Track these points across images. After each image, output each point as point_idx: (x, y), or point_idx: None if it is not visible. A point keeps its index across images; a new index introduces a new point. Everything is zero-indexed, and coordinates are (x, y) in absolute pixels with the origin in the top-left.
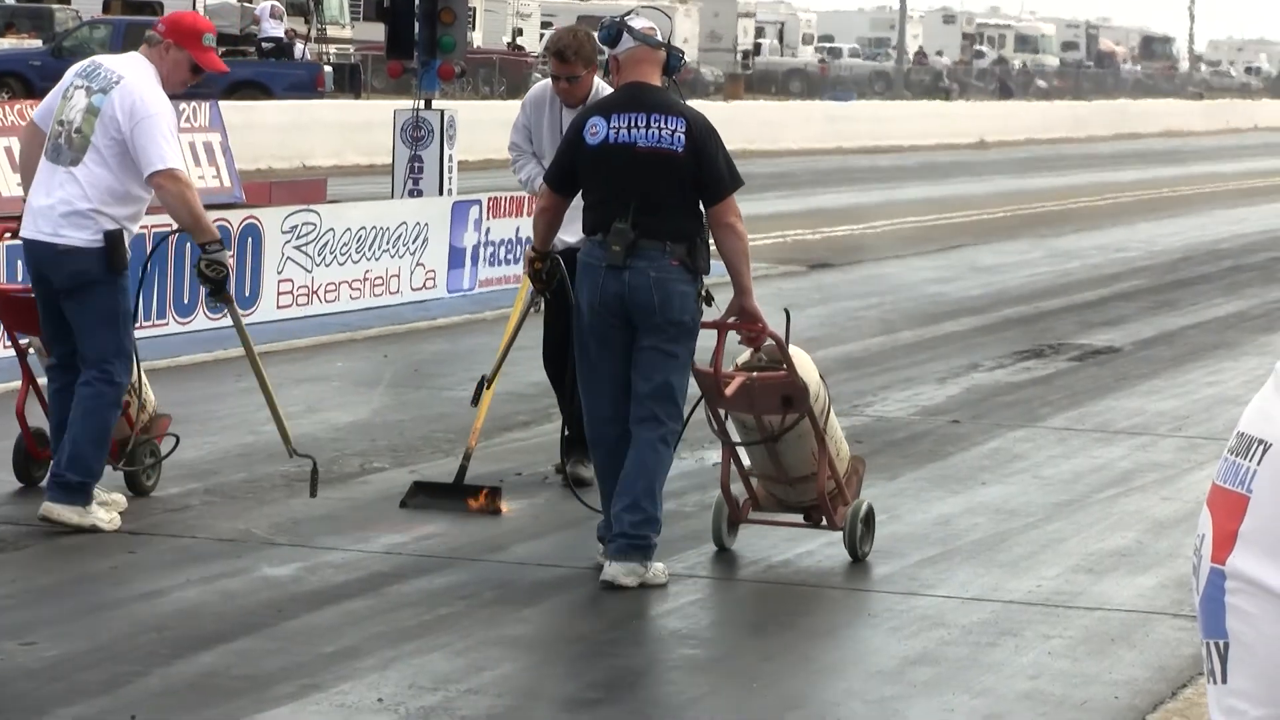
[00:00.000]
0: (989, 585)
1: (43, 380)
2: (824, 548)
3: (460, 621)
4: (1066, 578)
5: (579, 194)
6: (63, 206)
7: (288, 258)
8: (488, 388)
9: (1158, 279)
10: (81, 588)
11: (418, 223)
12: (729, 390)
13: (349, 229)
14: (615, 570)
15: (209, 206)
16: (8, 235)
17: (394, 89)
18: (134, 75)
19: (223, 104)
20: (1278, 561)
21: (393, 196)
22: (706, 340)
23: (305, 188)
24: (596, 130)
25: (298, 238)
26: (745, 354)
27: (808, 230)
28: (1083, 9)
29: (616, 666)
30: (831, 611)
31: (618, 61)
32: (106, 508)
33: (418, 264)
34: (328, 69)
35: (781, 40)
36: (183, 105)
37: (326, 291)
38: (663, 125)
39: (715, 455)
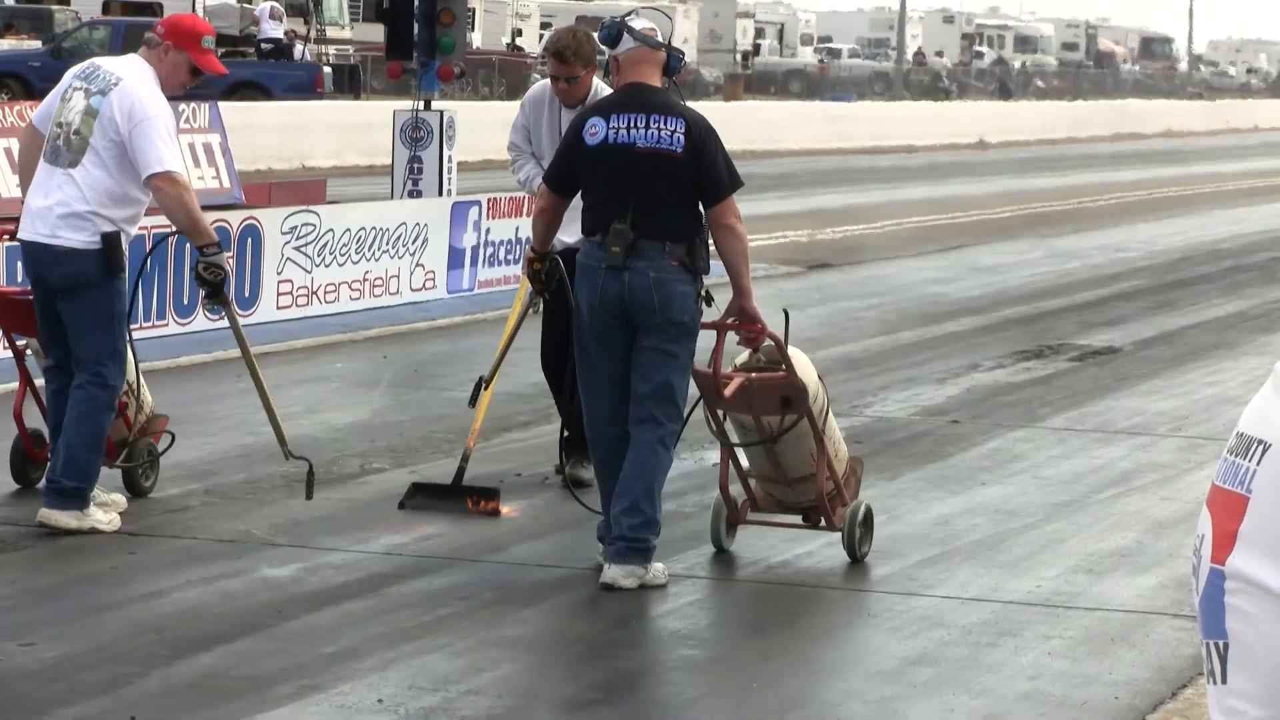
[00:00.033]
0: (989, 586)
1: (40, 382)
2: (823, 548)
3: (460, 622)
4: (1066, 578)
5: (578, 195)
6: (60, 208)
7: (287, 258)
8: (485, 389)
9: (1158, 279)
10: (81, 589)
11: (417, 223)
12: (728, 391)
13: (348, 230)
14: (615, 573)
15: (208, 207)
16: (6, 237)
17: (393, 90)
18: (133, 77)
19: (222, 105)
20: (1277, 562)
21: (392, 197)
22: (705, 341)
23: (305, 188)
24: (596, 131)
25: (297, 238)
26: (743, 355)
27: (807, 231)
28: (1082, 9)
29: (616, 667)
30: (831, 612)
31: (618, 62)
32: (106, 509)
33: (417, 265)
34: (327, 70)
35: (781, 41)
36: (182, 106)
37: (326, 292)
38: (662, 126)
39: (715, 456)
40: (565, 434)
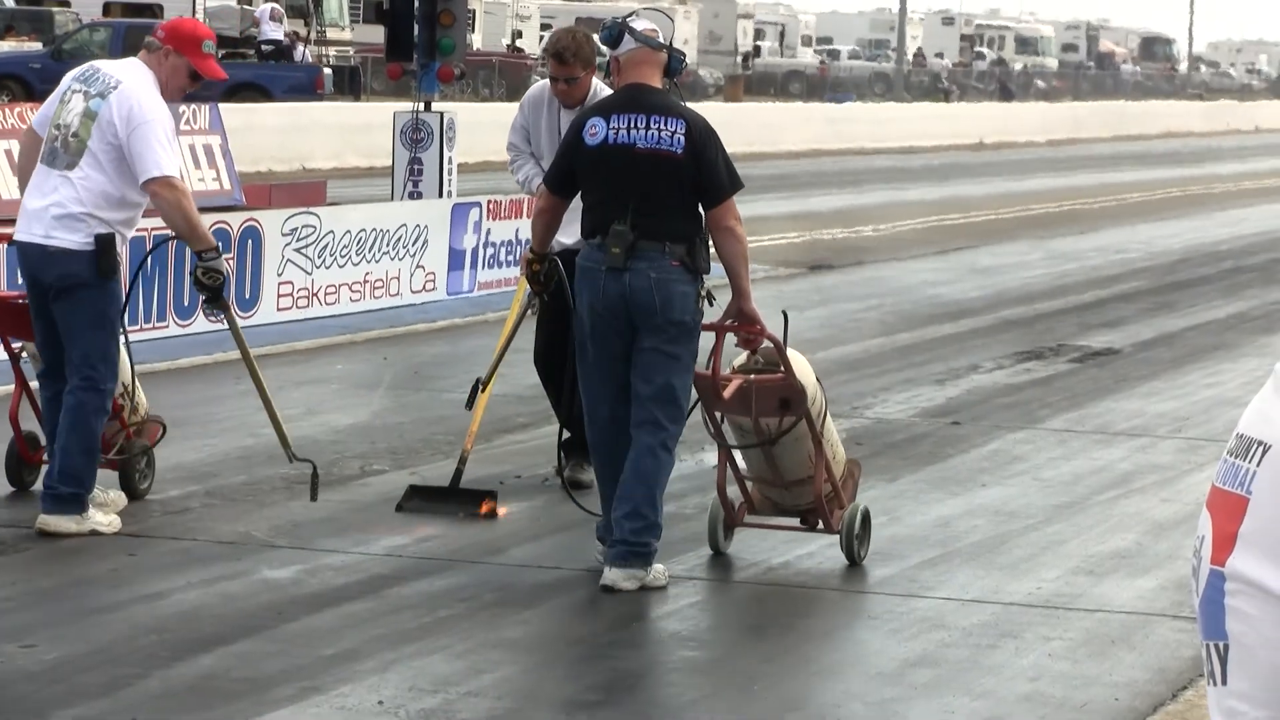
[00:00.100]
0: (989, 587)
1: (36, 384)
2: (823, 549)
3: (460, 624)
4: (1066, 579)
5: (578, 196)
6: (56, 209)
7: (287, 260)
8: (483, 391)
9: (1157, 280)
10: (81, 590)
11: (417, 225)
12: (727, 393)
13: (349, 231)
14: (615, 575)
15: (209, 209)
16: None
17: (393, 91)
18: (132, 81)
19: (222, 106)
20: (1277, 563)
21: (392, 199)
22: (704, 343)
23: (305, 190)
24: (596, 131)
25: (297, 240)
26: (741, 357)
27: (807, 232)
28: (1082, 10)
29: (616, 668)
30: (831, 613)
31: (619, 63)
32: (105, 509)
33: (417, 266)
34: (327, 71)
35: (781, 42)
36: (182, 108)
37: (326, 294)
38: (662, 127)
39: (715, 457)
40: (564, 435)
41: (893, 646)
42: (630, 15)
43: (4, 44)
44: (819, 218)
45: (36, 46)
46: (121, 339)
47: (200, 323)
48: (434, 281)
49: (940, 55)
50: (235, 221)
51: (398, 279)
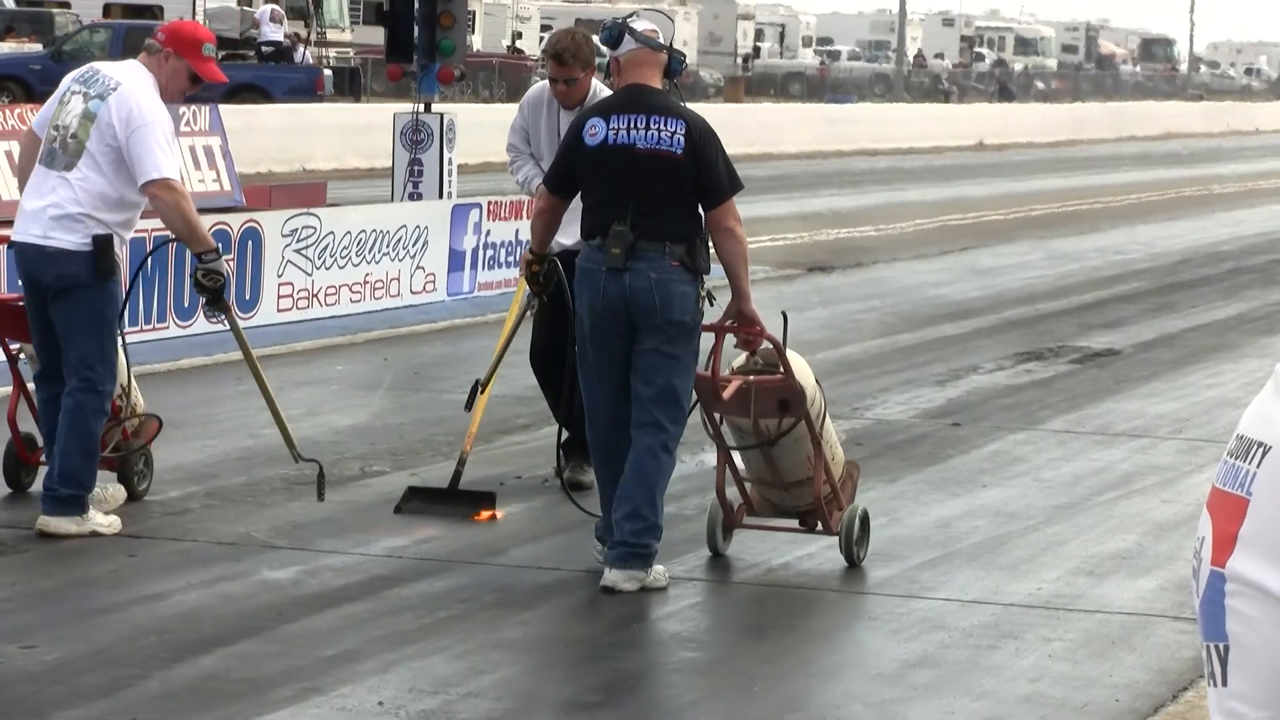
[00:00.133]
0: (989, 588)
1: (34, 386)
2: (824, 550)
3: (460, 625)
4: (1067, 580)
5: (577, 197)
6: (54, 210)
7: (288, 261)
8: (482, 392)
9: (1157, 281)
10: (81, 591)
11: (417, 226)
12: (726, 394)
13: (349, 232)
14: (615, 577)
15: (209, 210)
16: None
17: (393, 92)
18: (132, 82)
19: (222, 107)
20: (1277, 564)
21: (392, 200)
22: (704, 344)
23: (305, 191)
24: (596, 131)
25: (298, 241)
26: (740, 358)
27: (807, 233)
28: (1082, 11)
29: (616, 669)
30: (831, 614)
31: (619, 63)
32: (104, 505)
33: (417, 267)
34: (327, 72)
35: (781, 43)
36: (183, 109)
37: (326, 295)
38: (662, 127)
39: (715, 458)
40: (563, 436)
41: (893, 647)
42: (630, 16)
43: (4, 45)
44: (819, 218)
45: (37, 48)
46: (119, 339)
47: (200, 324)
48: (434, 282)
49: (940, 56)
50: (235, 223)
51: (398, 280)
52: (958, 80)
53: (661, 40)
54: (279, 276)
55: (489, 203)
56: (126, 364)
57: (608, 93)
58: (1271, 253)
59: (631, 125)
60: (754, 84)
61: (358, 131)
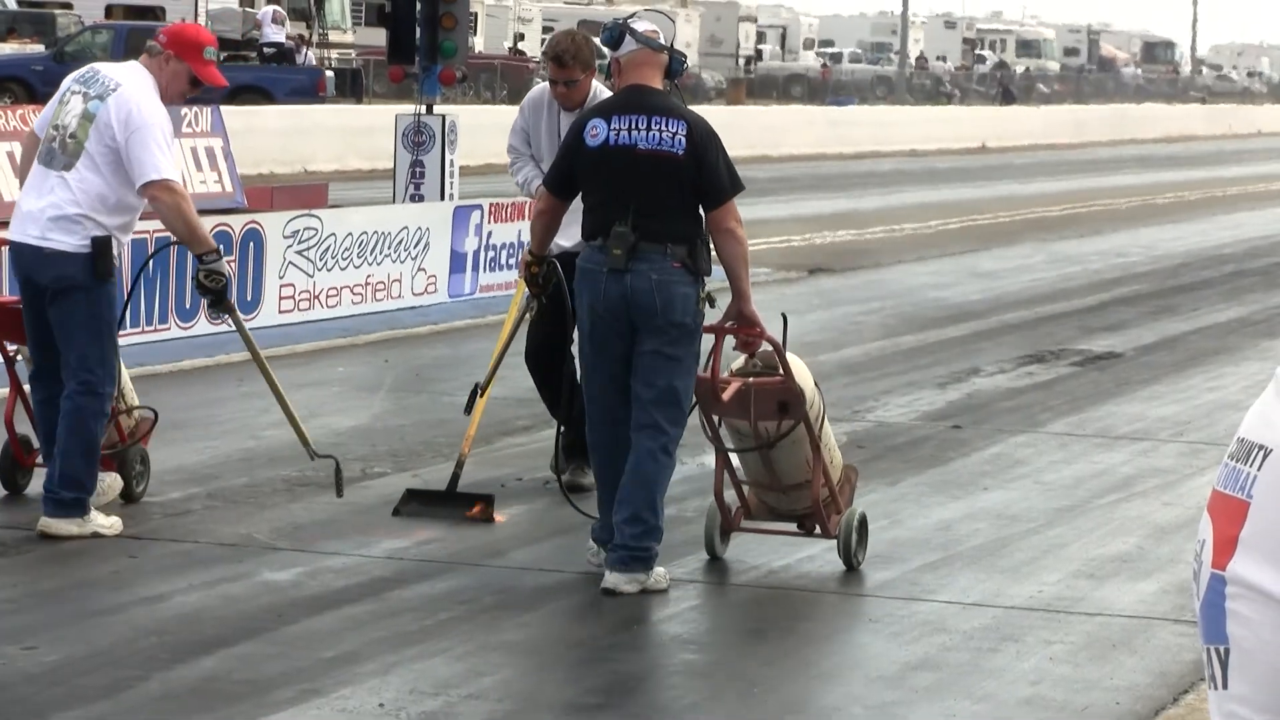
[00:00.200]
0: (990, 590)
1: (29, 388)
2: (824, 553)
3: (461, 626)
4: (1068, 583)
5: (577, 198)
6: (52, 210)
7: (289, 262)
8: (481, 395)
9: (1159, 284)
10: (82, 592)
11: (419, 228)
12: (726, 395)
13: (350, 234)
14: (616, 579)
15: (210, 211)
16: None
17: (395, 94)
18: (132, 84)
19: (224, 109)
20: (1278, 567)
21: (394, 201)
22: (703, 345)
23: (307, 192)
24: (597, 132)
25: (299, 242)
26: (739, 360)
27: (808, 235)
28: (1084, 14)
29: (617, 671)
30: (832, 616)
31: (619, 64)
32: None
33: (419, 269)
34: (329, 74)
35: (783, 45)
36: (184, 110)
37: (328, 296)
38: (663, 128)
39: (714, 460)
40: (561, 435)
41: (893, 650)
42: (631, 16)
43: (6, 46)
44: (820, 220)
45: (39, 49)
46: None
47: (202, 325)
48: (435, 284)
49: (942, 59)
50: (237, 224)
51: (399, 281)
52: (959, 83)
53: (662, 41)
54: (280, 278)
55: (490, 204)
56: (120, 364)
57: (608, 94)
58: (1273, 255)
59: (633, 126)
60: (756, 86)
61: (359, 133)
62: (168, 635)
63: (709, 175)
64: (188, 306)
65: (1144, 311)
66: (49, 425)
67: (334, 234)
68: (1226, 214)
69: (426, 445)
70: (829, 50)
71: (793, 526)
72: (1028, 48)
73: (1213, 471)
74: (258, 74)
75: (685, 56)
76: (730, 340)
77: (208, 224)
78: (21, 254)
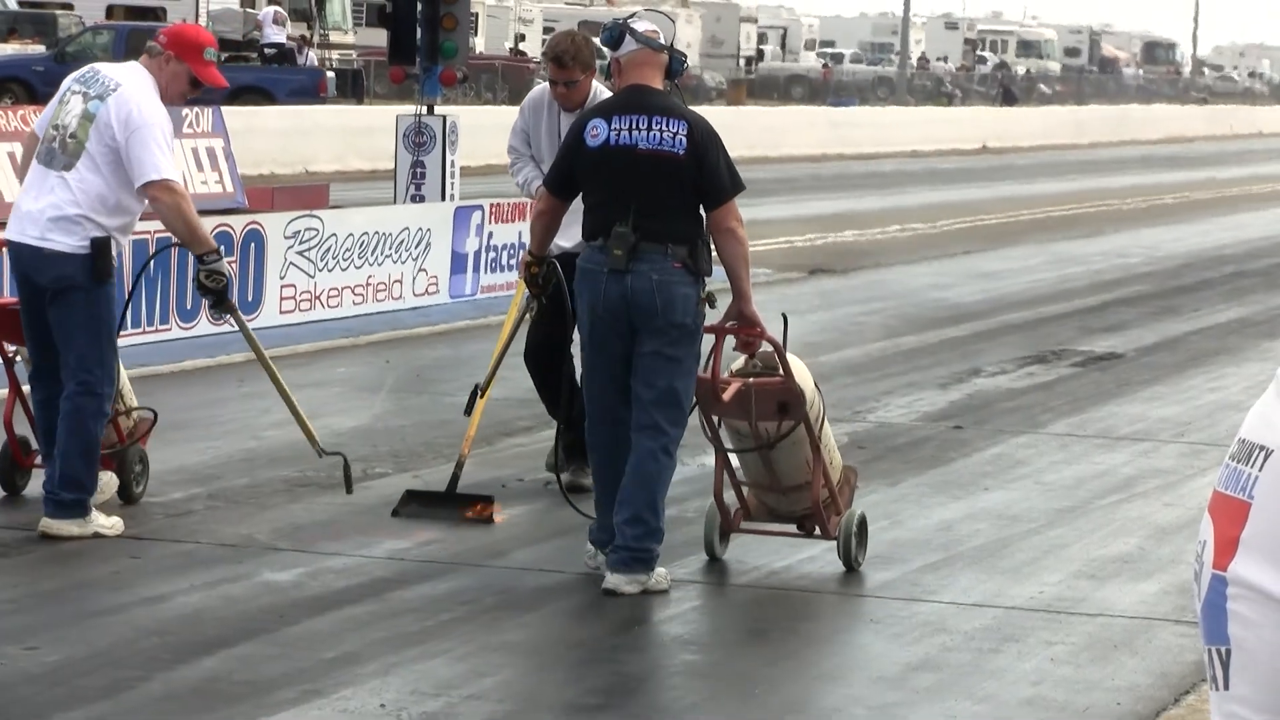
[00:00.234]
0: (991, 591)
1: (28, 388)
2: (826, 553)
3: (462, 627)
4: (1069, 584)
5: (577, 198)
6: (52, 211)
7: (290, 263)
8: (481, 396)
9: (1160, 285)
10: (83, 593)
11: (420, 228)
12: (726, 396)
13: (351, 234)
14: (617, 580)
15: (211, 212)
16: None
17: (396, 94)
18: (132, 84)
19: (225, 109)
20: (1279, 568)
21: (395, 202)
22: (704, 345)
23: (308, 193)
24: (597, 132)
25: (300, 243)
26: (739, 360)
27: (809, 236)
28: (1085, 14)
29: (618, 672)
30: (833, 617)
31: (619, 64)
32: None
33: (420, 269)
34: (330, 74)
35: (784, 46)
36: (185, 111)
37: (329, 297)
38: (664, 128)
39: (714, 461)
40: (560, 435)
41: (894, 651)
42: (631, 16)
43: (7, 46)
44: (821, 221)
45: (40, 49)
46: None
47: (203, 325)
48: (436, 285)
49: (944, 59)
50: (238, 224)
51: (400, 282)
52: (960, 83)
53: (662, 41)
54: (281, 278)
55: (491, 205)
56: (119, 366)
57: (608, 94)
58: (1274, 256)
59: (633, 126)
60: (756, 87)
61: (360, 133)
62: (169, 636)
63: (710, 175)
64: (189, 307)
65: (1145, 312)
66: (48, 425)
67: (335, 234)
68: (1228, 215)
69: (427, 446)
70: (830, 51)
71: (792, 528)
72: (1029, 48)
73: (1214, 472)
74: (259, 75)
75: (685, 56)
76: (731, 340)
77: (209, 224)
78: (20, 254)
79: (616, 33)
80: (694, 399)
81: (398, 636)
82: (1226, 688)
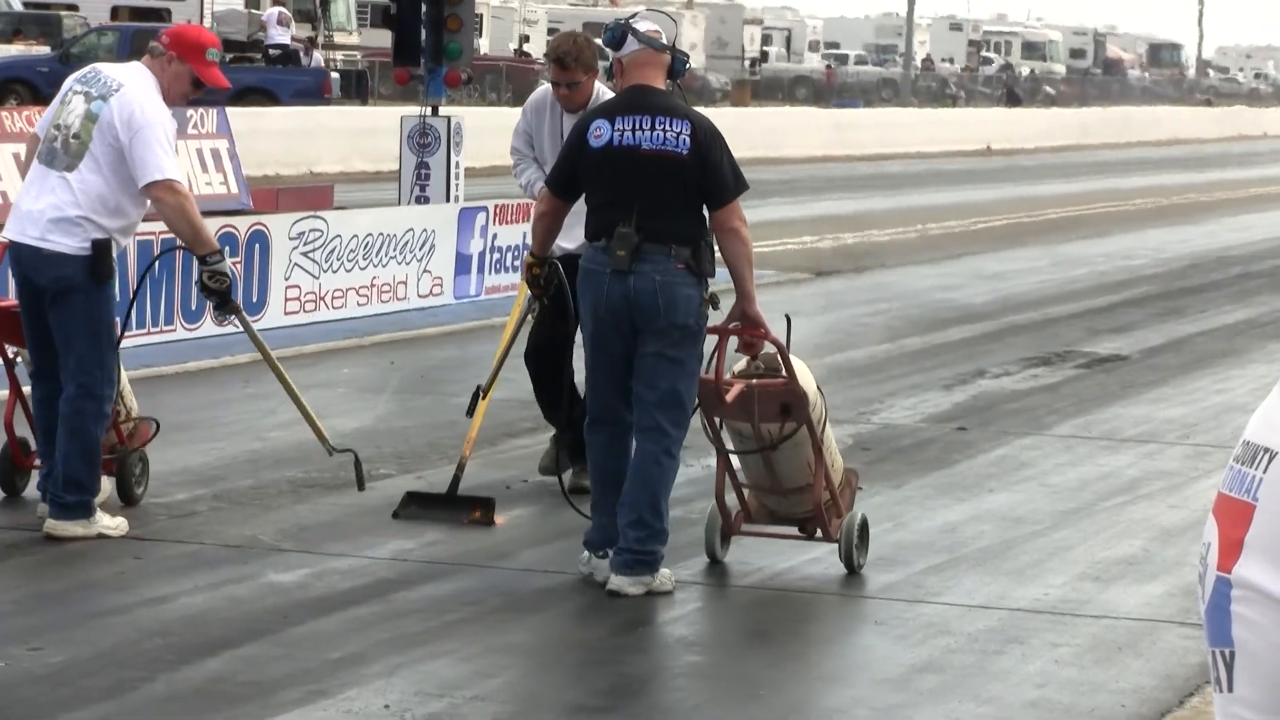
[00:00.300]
0: (995, 593)
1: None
2: (828, 555)
3: (466, 628)
4: (1073, 586)
5: (579, 199)
6: (53, 212)
7: (295, 264)
8: (484, 397)
9: (1165, 286)
10: (87, 594)
11: (424, 229)
12: (729, 397)
13: (356, 235)
14: (621, 581)
15: (216, 213)
16: None
17: (401, 95)
18: (134, 84)
19: (230, 110)
20: None
21: (399, 203)
22: (706, 346)
23: (312, 194)
24: (601, 133)
25: (305, 244)
26: (741, 362)
27: (814, 237)
28: (1090, 16)
29: (621, 673)
30: (837, 619)
31: (622, 64)
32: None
33: (424, 270)
34: (334, 75)
35: (788, 47)
36: (190, 112)
37: (333, 298)
38: (667, 128)
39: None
40: (557, 439)
41: (898, 652)
42: (633, 16)
43: (12, 47)
44: (825, 223)
45: (44, 50)
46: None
47: (207, 326)
48: (441, 286)
49: (950, 60)
50: (242, 225)
51: (405, 283)
52: (965, 85)
53: (664, 41)
54: (286, 279)
55: (496, 206)
56: (120, 368)
57: (611, 95)
58: (1279, 258)
59: (637, 126)
60: (761, 88)
61: (365, 134)
62: (173, 637)
63: (713, 174)
64: (193, 308)
65: (1150, 313)
66: (47, 424)
67: (339, 236)
68: (1233, 216)
69: (431, 447)
70: (834, 52)
71: (793, 530)
72: (1033, 50)
73: (1219, 474)
74: (263, 76)
75: (687, 56)
76: (734, 341)
77: (213, 225)
78: (20, 254)
79: (618, 33)
80: (696, 400)
81: (402, 637)
82: (1230, 690)
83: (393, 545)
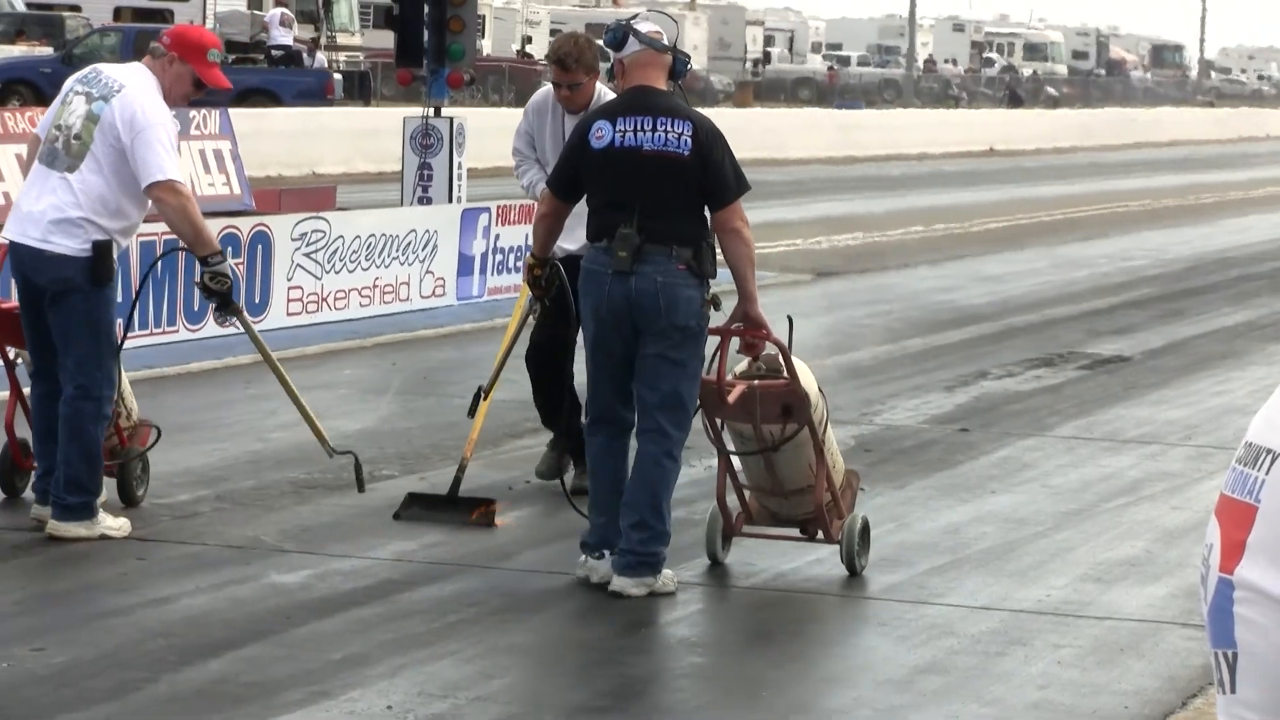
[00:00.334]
0: (998, 594)
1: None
2: (831, 556)
3: (469, 629)
4: (1075, 587)
5: (581, 200)
6: (53, 213)
7: (297, 265)
8: (485, 398)
9: (1166, 288)
10: (90, 594)
11: (427, 230)
12: (731, 398)
13: (358, 236)
14: (623, 583)
15: (218, 214)
16: None
17: (403, 96)
18: (135, 85)
19: (232, 111)
20: None
21: (402, 204)
22: (708, 347)
23: (315, 195)
24: (602, 134)
25: (307, 245)
26: (743, 363)
27: (815, 238)
28: (1092, 17)
29: (624, 674)
30: (839, 620)
31: (623, 65)
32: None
33: (427, 271)
34: (337, 76)
35: (791, 48)
36: (192, 112)
37: (336, 299)
38: (669, 128)
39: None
40: (554, 441)
41: (901, 653)
42: (634, 17)
43: (15, 48)
44: (828, 224)
45: (47, 51)
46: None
47: (210, 327)
48: (443, 287)
49: (952, 62)
50: (245, 226)
51: (407, 284)
52: (967, 86)
53: (665, 41)
54: (288, 280)
55: (498, 207)
56: (120, 369)
57: (612, 96)
58: (1279, 260)
59: (638, 127)
60: (763, 89)
61: (367, 136)
62: (175, 637)
63: (714, 175)
64: (195, 309)
65: (1151, 315)
66: (44, 423)
67: (342, 236)
68: (1234, 218)
69: (434, 448)
70: (836, 53)
71: (795, 531)
72: (1035, 51)
73: (1220, 475)
74: (265, 77)
75: (689, 57)
76: (735, 342)
77: (215, 226)
78: (20, 255)
79: (620, 34)
80: (698, 402)
81: (404, 638)
82: (1233, 691)
83: (395, 546)
